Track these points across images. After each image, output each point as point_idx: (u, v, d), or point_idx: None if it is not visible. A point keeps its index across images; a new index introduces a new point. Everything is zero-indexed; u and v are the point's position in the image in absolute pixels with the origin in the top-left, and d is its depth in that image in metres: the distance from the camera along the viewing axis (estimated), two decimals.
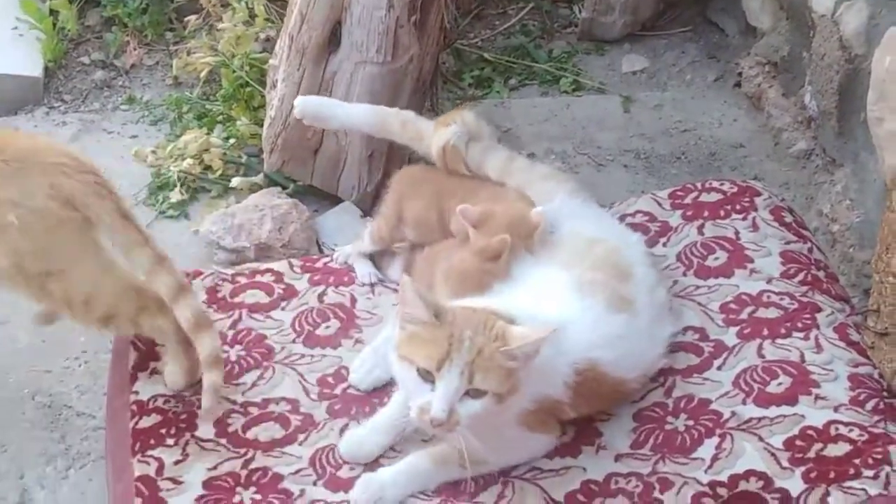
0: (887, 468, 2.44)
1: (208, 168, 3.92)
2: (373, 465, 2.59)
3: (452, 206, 2.85)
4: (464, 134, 2.99)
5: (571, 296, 2.63)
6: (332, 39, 3.65)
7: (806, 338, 2.73)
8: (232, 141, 3.98)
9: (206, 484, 2.59)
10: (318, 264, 3.13)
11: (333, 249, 3.29)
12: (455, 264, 2.75)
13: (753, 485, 2.46)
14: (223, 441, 2.68)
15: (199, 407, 2.72)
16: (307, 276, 3.08)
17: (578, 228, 2.80)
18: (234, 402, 2.75)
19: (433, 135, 3.03)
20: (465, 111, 3.09)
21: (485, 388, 2.39)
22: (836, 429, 2.53)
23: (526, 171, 2.96)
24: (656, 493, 2.49)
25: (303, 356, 2.86)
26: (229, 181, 3.87)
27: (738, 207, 3.08)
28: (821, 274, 2.92)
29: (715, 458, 2.53)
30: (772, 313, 2.80)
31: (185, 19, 4.38)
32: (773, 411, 2.59)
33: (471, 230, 2.73)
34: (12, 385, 3.31)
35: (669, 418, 2.63)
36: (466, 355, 2.38)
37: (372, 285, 3.03)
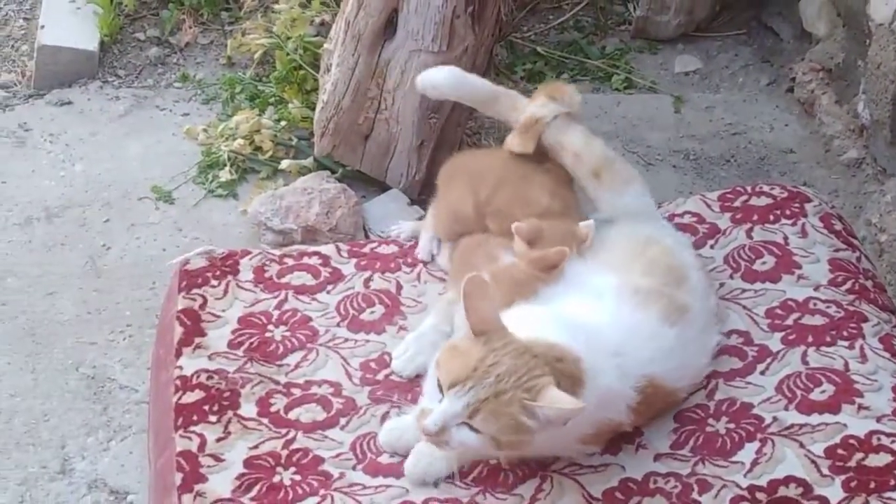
0: None
1: (258, 149, 3.95)
2: None
3: (484, 193, 2.85)
4: (558, 114, 2.94)
5: (626, 309, 2.59)
6: (388, 27, 3.67)
7: (851, 347, 2.72)
8: (283, 123, 4.00)
9: (247, 462, 2.60)
10: (366, 249, 3.14)
11: (381, 235, 3.31)
12: (508, 270, 2.74)
13: (793, 491, 2.46)
14: (265, 420, 2.69)
15: (243, 385, 2.74)
16: (354, 260, 3.09)
17: (634, 227, 2.79)
18: (277, 383, 2.76)
19: (531, 101, 2.96)
20: (571, 88, 3.01)
21: (483, 430, 2.30)
22: (879, 439, 2.52)
23: (600, 154, 2.93)
24: (694, 495, 2.48)
25: (346, 340, 2.87)
26: (279, 163, 3.90)
27: (787, 213, 3.07)
28: (868, 283, 2.91)
29: (755, 463, 2.52)
30: (818, 320, 2.79)
31: (241, 0, 4.40)
32: (815, 419, 2.58)
33: (524, 245, 2.72)
34: (57, 356, 3.35)
35: (711, 420, 2.63)
36: (481, 392, 2.29)
37: (424, 263, 3.03)
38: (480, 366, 2.30)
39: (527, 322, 2.44)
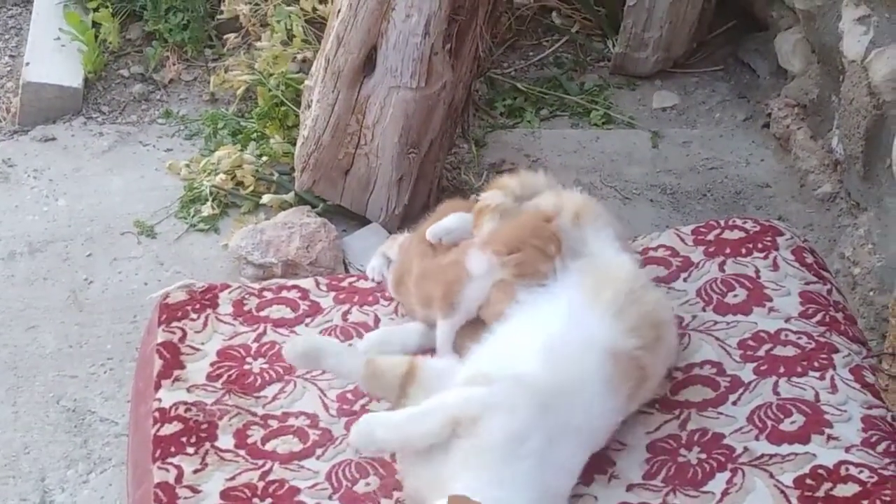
0: None
1: (240, 184, 3.99)
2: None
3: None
4: (502, 195, 2.96)
5: (601, 391, 2.59)
6: (368, 63, 3.71)
7: (822, 377, 2.75)
8: (265, 158, 4.05)
9: (224, 494, 2.61)
10: (344, 283, 3.16)
11: (360, 270, 3.34)
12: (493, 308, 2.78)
13: None
14: (242, 452, 2.71)
15: (220, 417, 2.76)
16: (332, 294, 3.11)
17: (636, 267, 2.82)
18: (254, 414, 2.79)
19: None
20: (507, 179, 3.01)
21: None
22: (847, 469, 2.54)
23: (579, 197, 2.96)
24: None
25: (324, 372, 2.89)
26: (260, 198, 3.93)
27: (759, 246, 3.10)
28: (839, 315, 2.94)
29: (725, 493, 2.54)
30: (789, 351, 2.82)
31: (225, 37, 4.46)
32: (784, 449, 2.60)
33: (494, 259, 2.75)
34: (38, 388, 3.37)
35: (682, 451, 2.65)
36: None
37: (377, 282, 3.06)
38: None
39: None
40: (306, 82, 3.90)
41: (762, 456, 2.60)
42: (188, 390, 2.84)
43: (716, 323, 2.92)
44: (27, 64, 4.39)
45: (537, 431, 2.50)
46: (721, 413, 2.72)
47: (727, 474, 2.58)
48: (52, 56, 4.43)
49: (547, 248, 2.73)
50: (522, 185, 2.99)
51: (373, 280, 3.04)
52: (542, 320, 2.67)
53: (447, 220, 3.00)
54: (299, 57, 4.25)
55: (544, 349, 2.60)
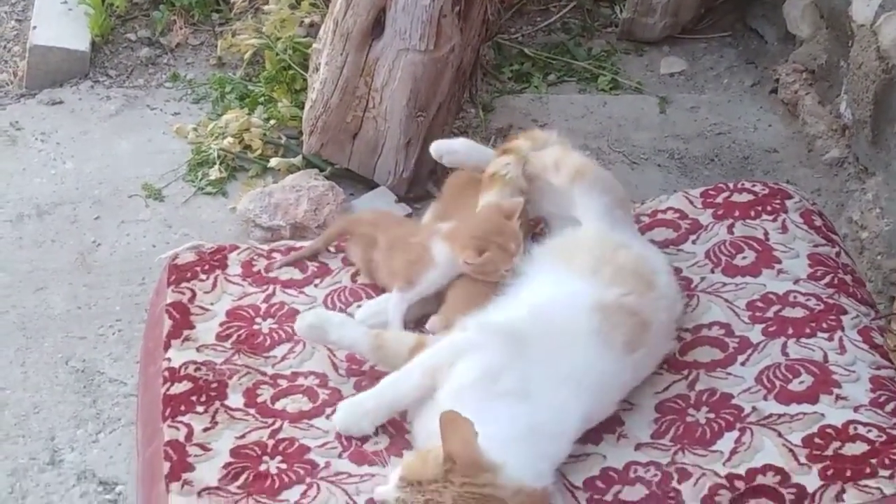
0: None
1: (248, 147, 3.99)
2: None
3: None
4: (517, 164, 2.96)
5: (590, 341, 2.61)
6: (376, 26, 3.71)
7: (830, 339, 2.76)
8: (272, 122, 4.04)
9: (234, 452, 2.63)
10: None
11: None
12: (462, 287, 2.81)
13: (770, 479, 2.49)
14: (252, 411, 2.72)
15: (230, 376, 2.77)
16: (341, 255, 3.12)
17: (605, 231, 2.83)
18: (263, 374, 2.80)
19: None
20: (521, 140, 3.03)
21: None
22: (855, 428, 2.56)
23: (579, 158, 2.98)
24: (674, 483, 2.51)
25: None
26: (268, 161, 3.94)
27: (768, 209, 3.10)
28: (847, 278, 2.94)
29: (734, 452, 2.55)
30: (797, 313, 2.82)
31: (232, 1, 4.45)
32: (793, 409, 2.61)
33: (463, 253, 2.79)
34: (47, 349, 3.38)
35: (691, 410, 2.66)
36: (409, 500, 2.37)
37: None
38: (426, 484, 2.37)
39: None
40: (314, 45, 3.90)
41: (770, 415, 2.61)
42: (198, 350, 2.86)
43: (724, 285, 2.92)
44: (34, 27, 4.39)
45: (511, 371, 2.54)
46: (729, 373, 2.73)
47: (735, 433, 2.59)
48: (59, 19, 4.43)
49: (509, 246, 2.78)
50: (535, 144, 3.01)
51: None
52: (527, 293, 2.71)
53: (455, 142, 3.08)
54: (307, 21, 4.25)
55: (530, 311, 2.65)
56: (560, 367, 2.57)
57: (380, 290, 2.97)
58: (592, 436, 2.62)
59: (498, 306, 2.71)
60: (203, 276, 3.04)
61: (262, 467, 2.59)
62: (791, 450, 2.53)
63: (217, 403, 2.73)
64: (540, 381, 2.54)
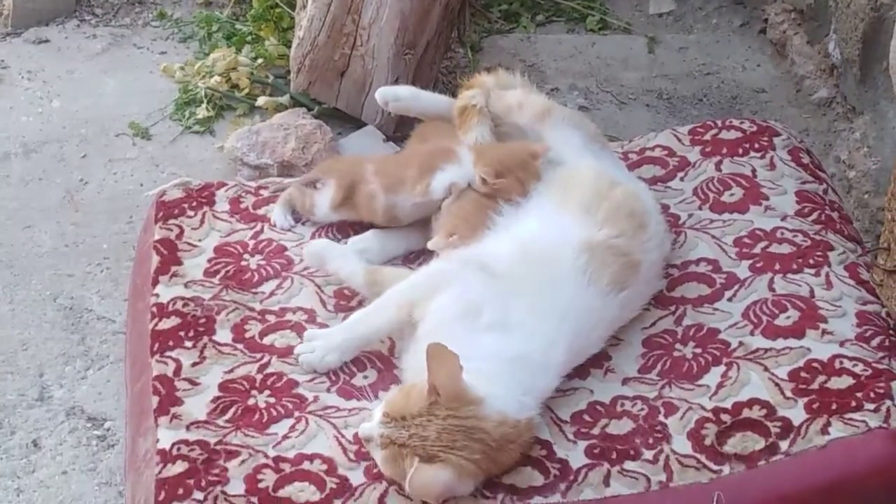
0: (889, 402, 2.48)
1: (235, 87, 3.97)
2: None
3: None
4: (483, 95, 2.98)
5: (576, 279, 2.63)
6: None
7: (817, 274, 2.77)
8: (260, 61, 4.02)
9: (222, 386, 2.64)
10: None
11: None
12: (461, 208, 2.83)
13: (756, 412, 2.51)
14: (240, 346, 2.73)
15: (218, 312, 2.78)
16: None
17: (597, 166, 2.84)
18: (251, 310, 2.80)
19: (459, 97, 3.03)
20: (484, 76, 3.07)
21: (378, 463, 2.43)
22: (841, 363, 2.57)
23: (541, 99, 3.01)
24: (661, 417, 2.54)
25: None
26: (255, 100, 3.92)
27: (756, 146, 3.11)
28: (834, 215, 2.95)
29: (720, 386, 2.57)
30: (784, 249, 2.84)
31: None
32: (779, 343, 2.63)
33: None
34: (35, 287, 3.37)
35: (678, 345, 2.68)
36: (395, 435, 2.38)
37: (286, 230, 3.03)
38: (410, 419, 2.38)
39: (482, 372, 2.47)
40: None
41: (757, 350, 2.63)
42: (186, 286, 2.87)
43: (712, 221, 2.94)
44: None
45: (494, 304, 2.56)
46: (716, 309, 2.74)
47: (722, 368, 2.61)
48: None
49: (527, 181, 2.82)
50: (499, 83, 3.02)
51: (282, 229, 3.01)
52: (516, 229, 2.73)
53: (400, 88, 3.20)
54: None
55: (516, 247, 2.67)
56: (544, 301, 2.58)
57: (366, 226, 2.98)
58: (580, 371, 2.64)
59: (487, 238, 2.72)
60: (191, 213, 3.05)
61: (251, 401, 2.61)
62: (777, 384, 2.55)
63: (205, 338, 2.75)
64: (523, 315, 2.56)
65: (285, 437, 2.52)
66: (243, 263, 2.92)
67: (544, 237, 2.69)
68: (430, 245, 2.78)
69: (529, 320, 2.57)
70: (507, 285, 2.59)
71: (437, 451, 2.34)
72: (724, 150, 3.11)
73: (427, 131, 3.12)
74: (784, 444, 2.45)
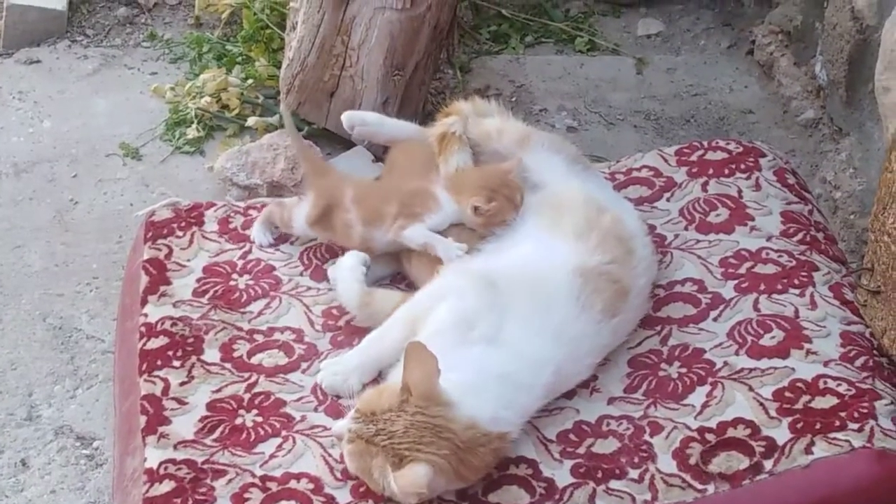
0: (872, 422, 2.49)
1: (225, 107, 3.99)
2: None
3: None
4: (461, 122, 3.00)
5: (569, 304, 2.64)
6: None
7: (801, 294, 2.79)
8: (250, 81, 4.04)
9: (210, 405, 2.65)
10: None
11: None
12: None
13: (741, 432, 2.52)
14: (228, 365, 2.74)
15: (206, 331, 2.79)
16: None
17: (588, 191, 2.86)
18: (240, 329, 2.82)
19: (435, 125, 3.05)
20: (461, 104, 3.08)
21: (345, 458, 2.47)
22: (825, 382, 2.59)
23: (520, 126, 3.04)
24: (646, 436, 2.55)
25: (309, 288, 2.92)
26: (245, 121, 3.94)
27: (742, 167, 3.13)
28: (819, 235, 2.97)
29: (705, 405, 2.59)
30: (770, 269, 2.85)
31: None
32: (764, 363, 2.64)
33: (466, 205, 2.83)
34: (24, 306, 3.39)
35: (663, 365, 2.70)
36: (363, 431, 2.40)
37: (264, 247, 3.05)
38: (380, 415, 2.40)
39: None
40: (291, 4, 3.89)
41: (742, 370, 2.64)
42: (174, 305, 2.88)
43: (698, 241, 2.96)
44: None
45: (487, 318, 2.58)
46: (702, 329, 2.76)
47: (707, 388, 2.62)
48: None
49: (514, 197, 2.84)
50: (476, 110, 3.04)
51: (261, 246, 3.03)
52: (509, 253, 2.75)
53: (367, 113, 3.26)
54: None
55: (512, 268, 2.69)
56: (536, 321, 2.60)
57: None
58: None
59: (481, 257, 2.74)
60: (180, 233, 3.06)
61: (238, 421, 2.62)
62: (762, 403, 2.57)
63: (193, 358, 2.76)
64: (516, 332, 2.58)
65: (272, 456, 2.53)
66: (232, 283, 2.93)
67: (539, 260, 2.71)
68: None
69: (521, 338, 2.58)
70: (503, 301, 2.61)
71: (404, 449, 2.36)
72: (711, 171, 3.13)
73: (398, 158, 3.13)
74: (768, 464, 2.46)
